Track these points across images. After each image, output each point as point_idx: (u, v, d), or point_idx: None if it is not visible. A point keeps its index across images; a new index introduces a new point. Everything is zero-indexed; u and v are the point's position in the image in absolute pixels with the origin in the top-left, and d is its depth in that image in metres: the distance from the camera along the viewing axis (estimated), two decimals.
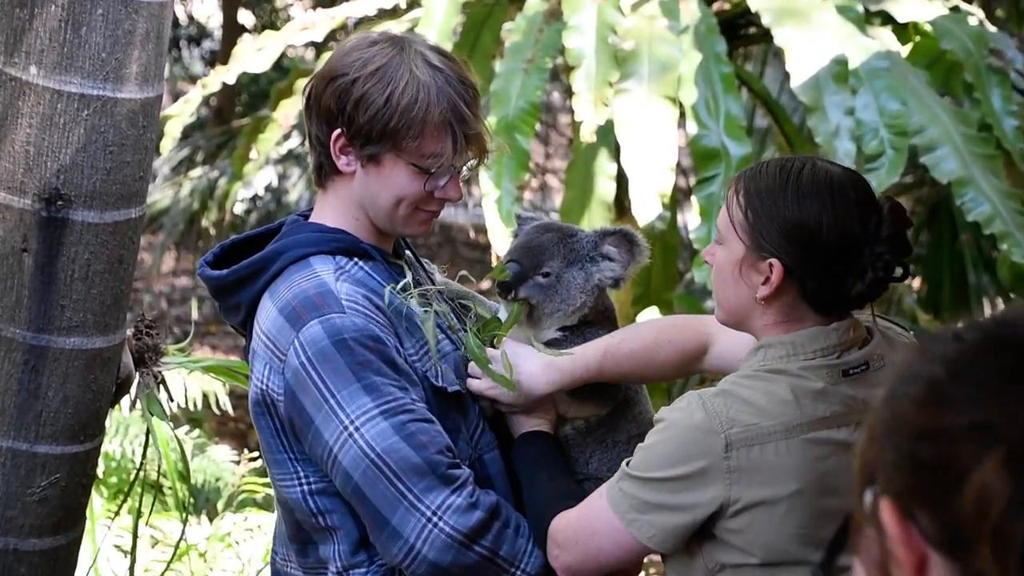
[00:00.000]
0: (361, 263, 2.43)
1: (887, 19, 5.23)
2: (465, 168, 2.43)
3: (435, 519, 2.26)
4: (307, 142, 2.49)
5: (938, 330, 1.18)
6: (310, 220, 2.50)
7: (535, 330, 2.51)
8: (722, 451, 2.10)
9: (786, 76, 5.00)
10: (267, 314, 2.38)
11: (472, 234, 10.18)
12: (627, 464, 2.18)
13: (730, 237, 2.20)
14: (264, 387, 2.37)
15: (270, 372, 2.36)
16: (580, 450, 2.48)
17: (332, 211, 2.46)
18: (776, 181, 2.16)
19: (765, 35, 5.29)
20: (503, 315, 2.56)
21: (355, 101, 2.36)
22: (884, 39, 4.96)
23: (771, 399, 2.12)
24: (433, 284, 2.63)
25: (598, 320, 2.54)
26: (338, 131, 2.39)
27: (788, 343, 2.18)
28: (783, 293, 2.17)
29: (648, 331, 2.54)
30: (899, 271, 2.16)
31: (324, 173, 2.46)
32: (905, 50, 5.05)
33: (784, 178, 2.16)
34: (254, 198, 8.58)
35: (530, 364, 2.43)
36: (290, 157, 8.44)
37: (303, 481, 2.39)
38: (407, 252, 2.61)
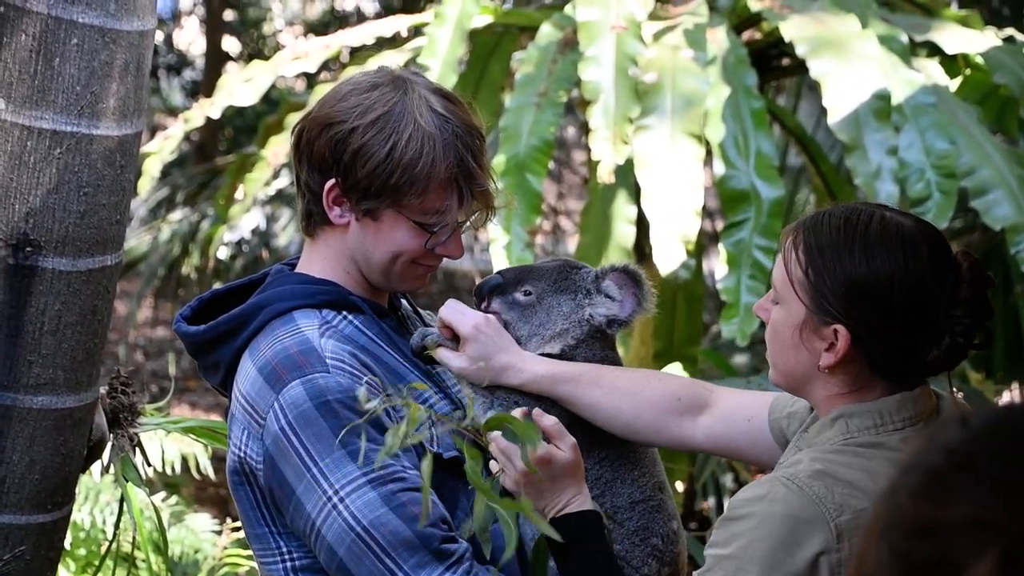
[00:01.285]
0: (351, 317, 2.43)
1: (934, 50, 5.25)
2: (468, 223, 2.45)
3: None
4: (296, 186, 2.50)
5: (947, 415, 1.18)
6: (296, 270, 2.50)
7: None
8: (834, 542, 2.04)
9: (822, 112, 5.02)
10: (246, 374, 2.38)
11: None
12: None
13: (788, 296, 2.15)
14: (242, 454, 2.37)
15: (248, 438, 2.35)
16: None
17: (321, 262, 2.47)
18: (841, 234, 2.11)
19: (800, 67, 5.31)
20: None
21: (353, 153, 2.36)
22: (931, 72, 4.98)
23: (875, 479, 2.06)
24: None
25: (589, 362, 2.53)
26: (332, 182, 2.39)
27: (874, 412, 2.13)
28: (849, 361, 2.12)
29: (641, 371, 2.52)
30: (979, 337, 2.10)
31: (314, 222, 2.46)
32: (954, 84, 5.07)
33: (850, 231, 2.11)
34: (240, 243, 8.60)
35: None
36: (279, 198, 8.47)
37: (286, 557, 2.38)
38: (403, 303, 2.61)
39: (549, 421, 2.33)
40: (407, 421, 2.21)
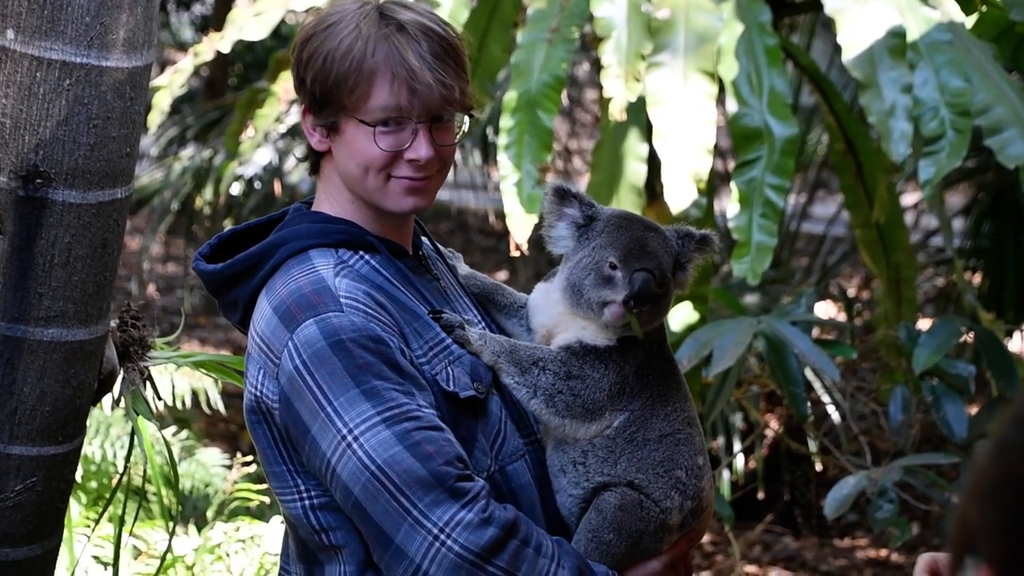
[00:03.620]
0: (367, 256, 2.43)
1: None
2: (458, 131, 2.43)
3: (442, 536, 2.25)
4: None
5: None
6: (312, 208, 2.50)
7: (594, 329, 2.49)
8: None
9: (836, 49, 4.99)
10: (262, 313, 2.39)
11: (492, 219, 10.17)
12: None
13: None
14: (259, 393, 2.37)
15: (265, 377, 2.36)
16: (609, 451, 2.47)
17: (328, 199, 2.48)
18: None
19: (814, 4, 5.27)
20: (541, 302, 2.54)
21: (304, 65, 2.40)
22: (946, 9, 4.93)
23: None
24: (455, 276, 2.62)
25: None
26: (304, 105, 2.43)
27: None
28: None
29: None
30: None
31: (311, 158, 2.49)
32: (970, 21, 5.02)
33: None
34: (251, 179, 8.59)
35: None
36: (291, 134, 8.44)
37: (304, 495, 2.38)
38: (425, 241, 2.60)
39: None
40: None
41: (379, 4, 2.40)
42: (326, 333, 2.29)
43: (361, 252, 2.43)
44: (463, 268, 2.68)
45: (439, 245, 2.66)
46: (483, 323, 2.57)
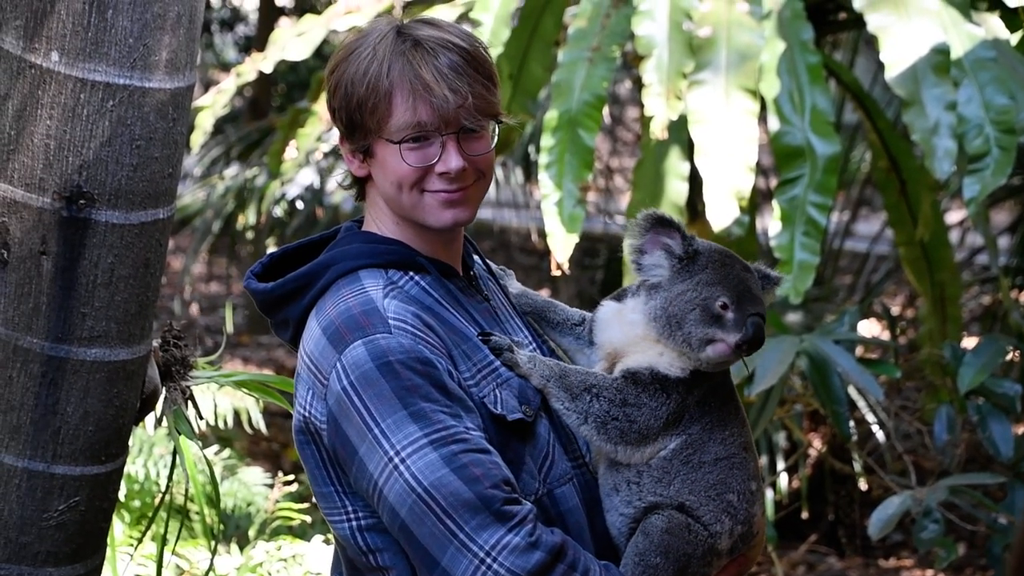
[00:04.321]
0: (417, 277, 2.43)
1: (995, 3, 5.17)
2: (493, 139, 2.43)
3: (488, 560, 2.24)
4: None
5: None
6: (363, 228, 2.51)
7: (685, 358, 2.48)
8: None
9: (880, 66, 4.95)
10: (311, 334, 2.39)
11: (534, 237, 10.17)
12: None
13: None
14: (307, 414, 2.38)
15: (313, 398, 2.36)
16: (664, 471, 2.46)
17: (375, 222, 2.49)
18: None
19: (856, 21, 5.25)
20: (612, 321, 2.54)
21: (332, 94, 2.44)
22: (991, 26, 4.91)
23: None
24: (507, 295, 2.61)
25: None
26: (339, 134, 2.45)
27: None
28: None
29: None
30: None
31: (355, 184, 2.51)
32: (1015, 38, 4.99)
33: None
34: (293, 200, 8.62)
35: None
36: (334, 154, 8.47)
37: (352, 516, 2.38)
38: (476, 260, 2.59)
39: None
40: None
41: (399, 24, 2.42)
42: (374, 355, 2.30)
43: (411, 272, 2.43)
44: (514, 286, 2.67)
45: (490, 263, 2.65)
46: (534, 344, 2.56)
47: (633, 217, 2.55)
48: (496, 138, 2.45)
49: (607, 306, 2.58)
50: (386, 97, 2.36)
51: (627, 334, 2.51)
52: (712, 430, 2.47)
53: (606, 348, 2.54)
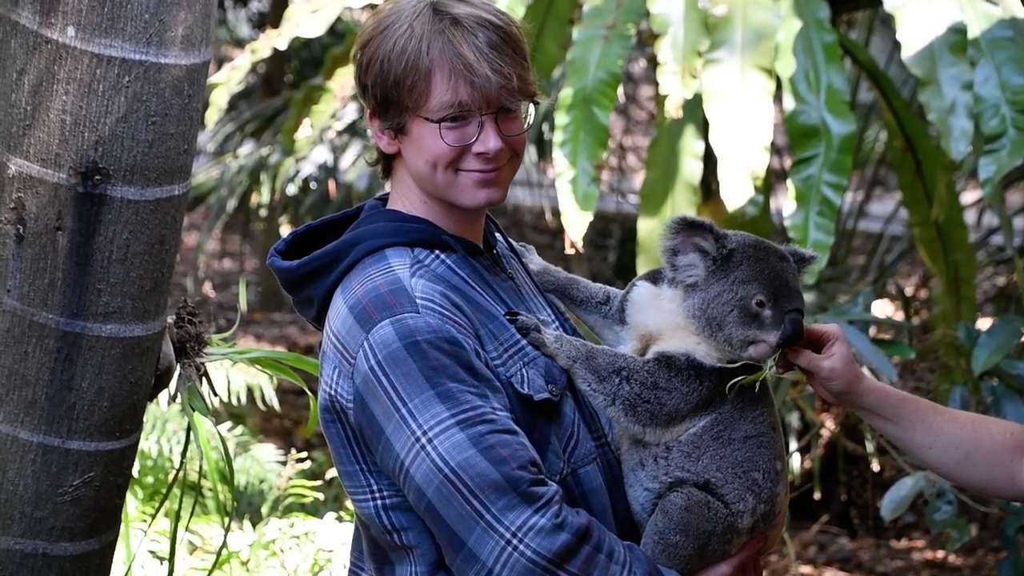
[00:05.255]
0: (443, 256, 2.42)
1: None
2: (524, 119, 2.42)
3: (515, 541, 2.24)
4: None
5: None
6: (388, 206, 2.50)
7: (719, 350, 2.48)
8: None
9: (896, 45, 4.94)
10: (337, 312, 2.39)
11: (548, 216, 10.16)
12: None
13: None
14: (333, 392, 2.38)
15: (339, 376, 2.36)
16: (694, 446, 2.46)
17: (400, 199, 2.47)
18: None
19: (873, 0, 5.23)
20: (649, 303, 2.53)
21: (363, 70, 2.41)
22: (1008, 5, 4.88)
23: None
24: (528, 273, 2.61)
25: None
26: (369, 110, 2.43)
27: None
28: None
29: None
30: None
31: (382, 162, 2.49)
32: None
33: None
34: (307, 179, 8.62)
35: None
36: (347, 131, 8.47)
37: (376, 495, 2.39)
38: (499, 238, 2.59)
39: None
40: None
41: (433, 1, 2.40)
42: (402, 334, 2.30)
43: (437, 251, 2.42)
44: (536, 262, 2.66)
45: (512, 241, 2.65)
46: (557, 322, 2.56)
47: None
48: (529, 119, 2.45)
49: (643, 287, 2.57)
50: (426, 75, 2.34)
51: (665, 320, 2.51)
52: (743, 408, 2.48)
53: (640, 330, 2.53)
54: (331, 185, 8.45)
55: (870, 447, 6.01)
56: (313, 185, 8.61)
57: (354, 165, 8.47)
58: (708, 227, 2.47)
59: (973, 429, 2.55)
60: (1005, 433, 2.54)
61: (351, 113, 8.15)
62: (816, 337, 2.49)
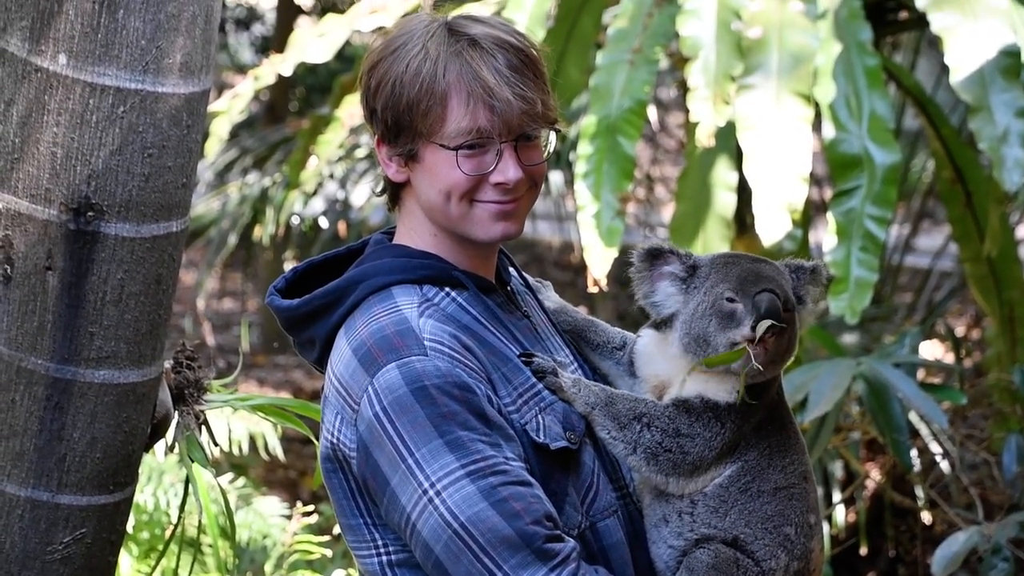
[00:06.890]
0: (454, 293, 2.42)
1: None
2: (544, 147, 2.41)
3: None
4: None
5: None
6: (394, 241, 2.50)
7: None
8: None
9: (944, 69, 4.95)
10: (340, 354, 2.38)
11: (576, 252, 10.17)
12: None
13: None
14: (335, 440, 2.37)
15: (342, 424, 2.36)
16: (721, 500, 2.45)
17: (409, 232, 2.47)
18: None
19: (919, 21, 5.23)
20: (654, 351, 2.53)
21: (372, 93, 2.40)
22: None
23: None
24: (543, 310, 2.61)
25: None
26: (377, 136, 2.43)
27: None
28: None
29: None
30: None
31: (389, 191, 2.49)
32: None
33: None
34: (316, 218, 8.64)
35: None
36: (357, 163, 8.49)
37: (381, 550, 2.38)
38: (513, 273, 2.58)
39: None
40: None
41: (447, 20, 2.40)
42: (409, 379, 2.29)
43: (447, 289, 2.42)
44: (552, 299, 2.66)
45: (527, 276, 2.64)
46: (575, 364, 2.56)
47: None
48: (549, 148, 2.44)
49: (647, 336, 2.58)
50: (442, 99, 2.34)
51: (673, 367, 2.51)
52: (772, 456, 2.47)
53: (652, 381, 2.54)
54: (341, 226, 8.46)
55: (920, 499, 5.98)
56: (324, 224, 8.62)
57: (368, 203, 8.48)
58: (667, 250, 2.50)
59: None
60: None
61: (362, 149, 8.17)
62: None
